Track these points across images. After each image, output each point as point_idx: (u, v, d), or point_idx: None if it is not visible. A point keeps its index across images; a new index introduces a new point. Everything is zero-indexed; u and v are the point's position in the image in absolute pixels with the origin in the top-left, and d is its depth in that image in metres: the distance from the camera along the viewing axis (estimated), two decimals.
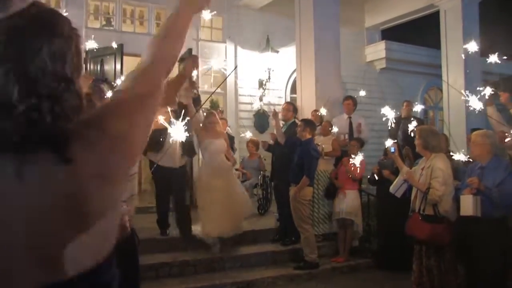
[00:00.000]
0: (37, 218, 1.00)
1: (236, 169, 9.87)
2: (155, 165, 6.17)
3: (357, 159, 6.37)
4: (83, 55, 7.53)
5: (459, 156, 5.14)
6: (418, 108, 7.91)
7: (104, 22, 10.92)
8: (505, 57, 5.40)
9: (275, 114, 7.54)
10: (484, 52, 6.73)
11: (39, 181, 1.01)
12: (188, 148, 6.72)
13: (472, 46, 6.56)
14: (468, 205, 4.59)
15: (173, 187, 6.85)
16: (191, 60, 3.10)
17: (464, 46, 10.23)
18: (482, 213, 4.48)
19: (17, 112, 1.00)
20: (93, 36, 6.50)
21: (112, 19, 10.84)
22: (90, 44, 6.17)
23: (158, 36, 1.42)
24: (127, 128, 1.14)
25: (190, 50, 9.75)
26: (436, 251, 4.79)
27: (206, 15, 2.98)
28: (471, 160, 5.14)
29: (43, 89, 1.04)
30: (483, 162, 4.76)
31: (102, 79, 3.32)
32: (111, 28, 10.70)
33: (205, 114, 7.18)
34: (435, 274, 4.73)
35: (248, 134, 9.32)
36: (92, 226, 1.05)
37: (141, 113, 1.22)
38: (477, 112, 5.28)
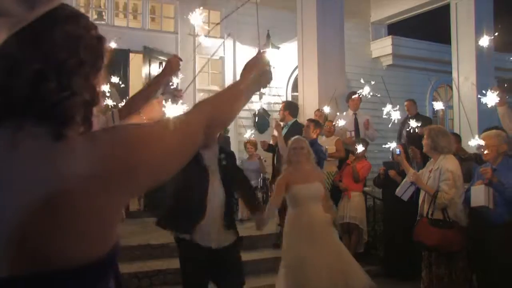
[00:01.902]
0: (21, 193, 1.03)
1: None
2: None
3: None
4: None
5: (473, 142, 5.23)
6: (438, 106, 7.88)
7: (95, 16, 10.92)
8: None
9: (278, 125, 7.47)
10: (498, 47, 6.76)
11: (30, 156, 1.06)
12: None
13: (485, 41, 6.56)
14: (479, 195, 4.61)
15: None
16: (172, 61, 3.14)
17: (477, 41, 10.29)
18: (493, 212, 4.48)
19: (25, 73, 1.09)
20: None
21: (104, 13, 10.83)
22: None
23: (216, 95, 1.56)
24: (140, 156, 1.16)
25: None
26: (447, 259, 4.76)
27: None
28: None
29: (52, 58, 1.12)
30: (494, 163, 4.76)
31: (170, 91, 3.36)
32: (103, 22, 10.69)
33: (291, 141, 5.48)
34: (446, 283, 4.70)
35: (248, 134, 9.31)
36: (73, 225, 1.06)
37: (162, 153, 1.24)
38: (489, 106, 5.31)
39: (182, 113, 1.45)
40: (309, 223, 5.03)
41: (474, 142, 5.22)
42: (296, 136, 5.53)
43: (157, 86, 3.09)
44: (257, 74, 1.77)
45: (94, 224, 1.09)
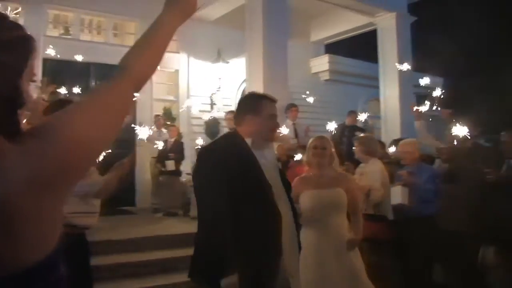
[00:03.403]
0: None
1: (188, 173, 9.95)
2: None
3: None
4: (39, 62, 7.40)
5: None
6: (363, 117, 8.21)
7: (62, 31, 10.79)
8: (433, 75, 5.77)
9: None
10: (415, 68, 7.20)
11: None
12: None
13: (405, 64, 6.95)
14: (397, 195, 4.91)
15: None
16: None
17: (399, 62, 10.77)
18: (412, 208, 4.76)
19: None
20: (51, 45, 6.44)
21: (70, 28, 10.73)
22: (49, 52, 6.12)
23: (137, 47, 1.29)
24: (74, 134, 1.04)
25: None
26: (377, 248, 5.00)
27: None
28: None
29: None
30: (411, 166, 5.06)
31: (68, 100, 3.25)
32: (69, 37, 10.59)
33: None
34: (377, 269, 4.93)
35: (200, 141, 9.43)
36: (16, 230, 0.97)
37: (95, 127, 1.10)
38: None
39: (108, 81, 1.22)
40: (324, 239, 3.88)
41: (394, 149, 5.55)
42: (319, 135, 4.48)
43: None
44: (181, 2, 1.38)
45: (33, 227, 0.99)
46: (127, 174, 3.02)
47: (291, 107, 8.94)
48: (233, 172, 2.55)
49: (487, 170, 4.55)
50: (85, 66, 9.84)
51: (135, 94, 1.24)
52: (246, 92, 9.93)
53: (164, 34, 1.32)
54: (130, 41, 11.30)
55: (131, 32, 11.44)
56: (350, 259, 3.88)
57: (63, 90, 7.68)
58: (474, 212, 4.78)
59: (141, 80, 1.26)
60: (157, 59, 1.30)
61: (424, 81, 7.31)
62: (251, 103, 2.90)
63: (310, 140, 4.19)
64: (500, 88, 14.87)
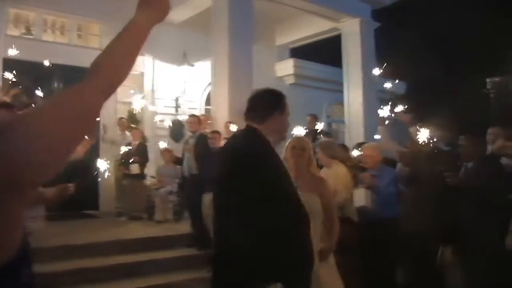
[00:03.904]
0: None
1: (152, 176, 9.87)
2: None
3: None
4: None
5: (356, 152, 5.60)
6: (321, 124, 8.26)
7: (23, 31, 10.54)
8: (396, 80, 5.89)
9: None
10: (379, 73, 7.35)
11: None
12: None
13: (375, 70, 7.07)
14: (360, 197, 4.99)
15: None
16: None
17: (363, 67, 10.96)
18: (374, 211, 4.83)
19: None
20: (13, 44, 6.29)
21: (31, 28, 10.49)
22: (10, 52, 5.97)
23: (108, 50, 1.23)
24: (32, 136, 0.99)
25: None
26: (342, 249, 5.06)
27: None
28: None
29: None
30: (373, 169, 5.15)
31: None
32: (31, 37, 10.35)
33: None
34: (342, 269, 4.99)
35: (162, 145, 9.39)
36: None
37: (58, 129, 1.05)
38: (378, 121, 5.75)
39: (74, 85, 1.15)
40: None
41: (357, 152, 5.63)
42: (298, 135, 4.45)
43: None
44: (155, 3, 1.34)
45: None
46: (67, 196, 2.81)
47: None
48: (273, 171, 2.52)
49: (446, 174, 4.67)
50: (48, 68, 9.64)
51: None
52: (212, 95, 9.93)
53: (137, 37, 1.28)
54: (94, 42, 11.14)
55: (95, 34, 11.28)
56: (317, 273, 3.24)
57: (25, 92, 7.49)
58: (434, 214, 4.90)
59: (112, 84, 1.21)
60: (129, 63, 1.25)
61: (387, 86, 7.46)
62: (277, 100, 2.76)
63: (288, 141, 3.90)
64: (460, 93, 15.29)
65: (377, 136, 7.45)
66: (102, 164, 3.77)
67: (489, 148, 6.30)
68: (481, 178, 4.64)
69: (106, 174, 3.09)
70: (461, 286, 4.84)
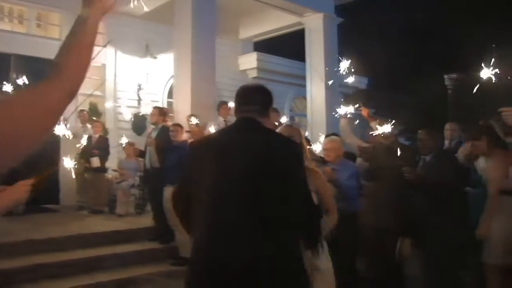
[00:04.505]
0: None
1: (114, 170, 9.76)
2: None
3: None
4: None
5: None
6: (286, 116, 8.32)
7: None
8: (359, 75, 5.96)
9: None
10: (341, 68, 7.43)
11: None
12: None
13: (331, 63, 7.14)
14: None
15: None
16: None
17: (325, 62, 11.06)
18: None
19: None
20: None
21: None
22: None
23: (67, 47, 1.24)
24: None
25: None
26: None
27: None
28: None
29: None
30: (334, 163, 5.22)
31: None
32: None
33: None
34: None
35: (124, 140, 9.28)
36: None
37: (19, 125, 1.06)
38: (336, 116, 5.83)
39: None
40: None
41: (319, 146, 5.70)
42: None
43: None
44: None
45: None
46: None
47: (223, 104, 8.96)
48: None
49: (405, 168, 4.78)
50: (5, 58, 9.37)
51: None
52: (175, 88, 9.86)
53: (90, 32, 1.28)
54: (54, 32, 10.88)
55: (55, 24, 11.01)
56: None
57: None
58: (393, 208, 5.01)
59: (76, 83, 1.22)
60: (87, 59, 1.26)
61: (350, 80, 7.55)
62: (271, 97, 2.74)
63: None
64: (419, 88, 15.65)
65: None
66: (66, 158, 3.71)
67: (446, 143, 6.49)
68: (438, 171, 4.77)
69: (72, 167, 2.97)
70: (419, 277, 4.99)
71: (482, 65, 4.79)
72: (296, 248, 2.37)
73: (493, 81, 4.60)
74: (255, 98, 2.65)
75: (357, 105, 6.72)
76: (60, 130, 4.28)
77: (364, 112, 6.53)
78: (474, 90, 4.77)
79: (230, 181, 2.34)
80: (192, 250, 2.38)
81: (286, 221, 2.31)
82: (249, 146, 2.44)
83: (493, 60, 4.71)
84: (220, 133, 2.75)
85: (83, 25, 1.28)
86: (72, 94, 1.19)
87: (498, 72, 4.22)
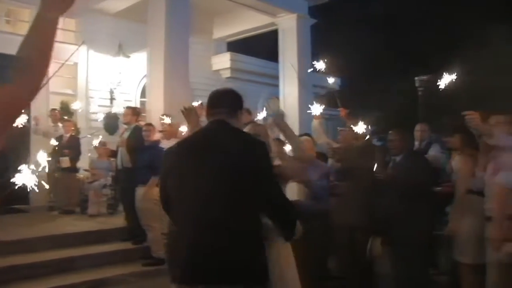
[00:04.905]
0: None
1: (86, 170, 9.65)
2: None
3: None
4: None
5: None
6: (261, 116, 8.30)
7: None
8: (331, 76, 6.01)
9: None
10: (314, 68, 7.51)
11: None
12: None
13: (304, 64, 7.19)
14: (293, 192, 5.10)
15: None
16: None
17: (299, 62, 11.12)
18: (306, 205, 4.94)
19: None
20: None
21: None
22: None
23: (28, 46, 1.26)
24: None
25: None
26: None
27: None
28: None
29: None
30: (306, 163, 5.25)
31: None
32: None
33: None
34: None
35: (95, 142, 9.17)
36: None
37: None
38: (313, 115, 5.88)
39: None
40: None
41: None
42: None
43: None
44: None
45: None
46: None
47: (196, 104, 8.92)
48: None
49: (376, 168, 4.86)
50: None
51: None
52: (148, 87, 9.80)
53: (50, 31, 1.29)
54: (24, 29, 10.68)
55: (25, 20, 10.82)
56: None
57: None
58: (364, 208, 5.09)
59: (38, 81, 1.24)
60: (48, 57, 1.27)
61: (323, 81, 7.62)
62: (241, 100, 2.90)
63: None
64: (391, 89, 15.89)
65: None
66: (41, 157, 3.63)
67: (416, 144, 6.62)
68: (408, 171, 4.85)
69: (45, 167, 2.91)
70: (389, 275, 5.07)
71: (445, 69, 4.89)
72: (260, 239, 2.54)
73: (458, 84, 4.70)
74: (224, 101, 2.81)
75: (337, 106, 6.77)
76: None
77: (342, 112, 6.58)
78: (440, 90, 4.88)
79: (204, 180, 2.48)
80: (172, 241, 2.68)
81: (258, 214, 2.55)
82: (219, 146, 2.59)
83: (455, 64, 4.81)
84: (194, 134, 2.88)
85: (42, 21, 1.29)
86: (35, 93, 1.22)
87: (457, 76, 4.32)
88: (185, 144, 2.80)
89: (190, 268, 2.36)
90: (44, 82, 1.26)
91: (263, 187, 2.53)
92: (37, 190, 2.24)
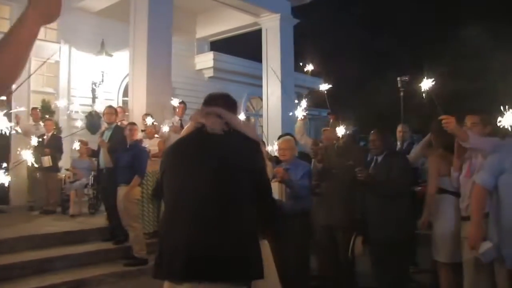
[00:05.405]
0: None
1: (67, 169, 9.55)
2: None
3: None
4: None
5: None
6: (241, 116, 8.29)
7: None
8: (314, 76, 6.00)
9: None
10: (297, 68, 7.54)
11: None
12: None
13: (287, 64, 7.20)
14: (274, 191, 5.08)
15: None
16: None
17: (281, 63, 11.14)
18: (287, 204, 4.94)
19: None
20: None
21: None
22: None
23: (3, 48, 1.23)
24: None
25: None
26: None
27: None
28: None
29: None
30: (287, 163, 5.27)
31: None
32: None
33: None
34: None
35: (76, 146, 9.08)
36: None
37: None
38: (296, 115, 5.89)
39: None
40: None
41: (275, 146, 5.73)
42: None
43: None
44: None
45: None
46: None
47: (179, 104, 8.90)
48: None
49: (357, 169, 4.88)
50: None
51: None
52: (130, 86, 9.73)
53: (25, 28, 1.26)
54: (4, 27, 10.54)
55: (5, 17, 10.68)
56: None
57: None
58: (345, 207, 5.11)
59: (8, 75, 1.21)
60: (21, 54, 1.25)
61: (305, 81, 7.64)
62: (234, 104, 2.94)
63: None
64: (373, 90, 15.99)
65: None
66: (27, 155, 3.59)
67: (398, 144, 6.67)
68: (388, 171, 4.89)
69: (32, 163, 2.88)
70: (370, 275, 5.10)
71: (427, 69, 4.92)
72: (255, 236, 2.57)
73: (439, 85, 4.73)
74: (218, 103, 2.82)
75: (321, 106, 6.79)
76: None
77: (332, 118, 6.58)
78: (423, 94, 4.91)
79: (201, 179, 2.50)
80: (163, 239, 2.55)
81: (254, 212, 2.54)
82: (214, 145, 2.62)
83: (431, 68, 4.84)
84: (189, 135, 2.89)
85: (23, 23, 1.26)
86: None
87: (434, 80, 4.34)
88: (180, 146, 2.81)
89: (186, 265, 2.36)
90: (23, 80, 1.24)
91: (257, 185, 2.57)
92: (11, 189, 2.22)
